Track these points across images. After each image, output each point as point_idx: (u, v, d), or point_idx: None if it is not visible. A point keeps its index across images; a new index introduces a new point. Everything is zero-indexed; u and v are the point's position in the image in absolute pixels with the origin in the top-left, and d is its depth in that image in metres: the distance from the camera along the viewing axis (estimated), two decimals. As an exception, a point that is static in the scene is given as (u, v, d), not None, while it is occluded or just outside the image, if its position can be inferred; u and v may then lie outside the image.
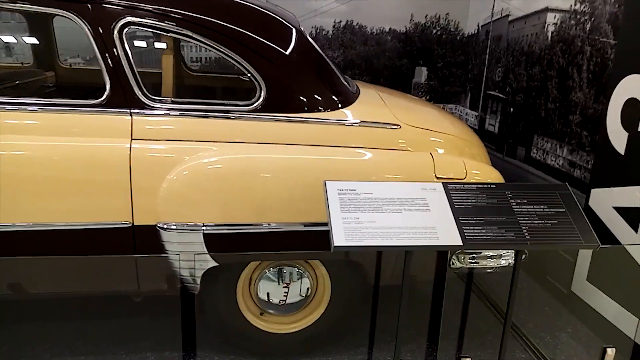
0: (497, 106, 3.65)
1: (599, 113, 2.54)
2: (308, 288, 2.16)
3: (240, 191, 1.90)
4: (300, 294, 2.17)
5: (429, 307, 2.28)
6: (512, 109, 3.44)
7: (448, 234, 1.65)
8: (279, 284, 2.13)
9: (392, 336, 2.19)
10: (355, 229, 1.62)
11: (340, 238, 1.58)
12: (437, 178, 2.02)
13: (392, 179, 1.98)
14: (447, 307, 2.32)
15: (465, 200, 1.76)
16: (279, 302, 2.13)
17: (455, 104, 4.35)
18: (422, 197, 1.76)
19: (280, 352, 2.20)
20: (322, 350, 2.25)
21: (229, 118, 1.96)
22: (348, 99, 2.16)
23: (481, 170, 2.15)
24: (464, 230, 1.67)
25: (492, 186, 1.83)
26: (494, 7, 3.69)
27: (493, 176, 2.16)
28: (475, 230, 1.68)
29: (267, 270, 2.12)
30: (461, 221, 1.69)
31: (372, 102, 2.28)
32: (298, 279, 2.15)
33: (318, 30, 3.95)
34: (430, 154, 2.08)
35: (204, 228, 1.89)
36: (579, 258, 2.64)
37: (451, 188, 1.80)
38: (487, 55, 3.81)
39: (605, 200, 2.47)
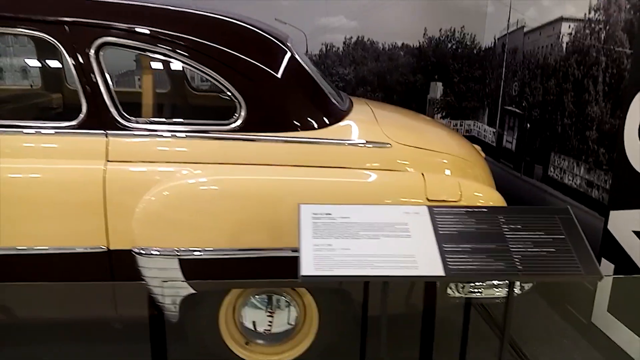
0: (514, 122, 3.47)
1: (615, 128, 2.34)
2: (296, 317, 2.05)
3: (218, 215, 1.82)
4: (288, 323, 2.06)
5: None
6: (528, 125, 3.25)
7: (429, 263, 1.51)
8: (265, 311, 2.03)
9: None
10: (327, 256, 1.50)
11: (309, 267, 1.47)
12: (429, 200, 1.89)
13: (379, 201, 1.85)
14: (451, 339, 2.16)
15: (451, 226, 1.62)
16: (264, 332, 2.03)
17: (473, 120, 4.18)
18: (403, 221, 1.62)
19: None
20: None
21: (208, 138, 1.89)
22: (336, 116, 2.06)
23: (480, 193, 2.00)
24: (447, 259, 1.52)
25: (482, 210, 1.68)
26: (509, 18, 3.53)
27: (494, 199, 2.01)
28: (460, 259, 1.53)
29: (251, 297, 2.02)
30: (445, 249, 1.55)
31: (363, 120, 2.17)
32: (285, 307, 2.04)
33: (328, 47, 3.88)
34: (422, 174, 1.95)
35: (180, 253, 1.81)
36: (599, 286, 2.42)
37: (437, 212, 1.66)
38: (503, 69, 3.64)
39: (625, 224, 2.26)
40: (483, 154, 2.57)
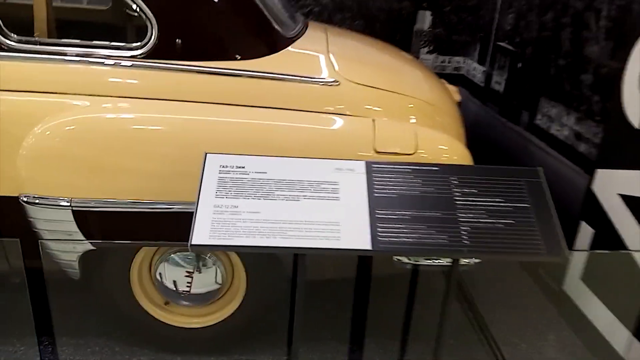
0: (505, 61, 3.07)
1: (614, 73, 1.98)
2: (222, 277, 1.79)
3: (116, 160, 1.51)
4: (215, 282, 1.81)
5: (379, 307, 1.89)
6: (520, 64, 2.86)
7: (354, 234, 1.22)
8: (184, 270, 1.78)
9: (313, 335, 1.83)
10: (228, 221, 1.21)
11: (202, 233, 1.19)
12: (377, 153, 1.57)
13: (312, 153, 1.53)
14: (397, 308, 1.93)
15: (391, 187, 1.32)
16: (181, 293, 1.78)
17: (463, 57, 3.76)
18: (333, 180, 1.32)
19: (190, 348, 1.86)
20: (238, 347, 1.90)
21: (108, 65, 1.55)
22: (276, 44, 1.70)
23: (443, 145, 1.68)
24: (378, 229, 1.23)
25: (432, 168, 1.37)
26: (510, -63, 3.04)
27: (458, 154, 1.69)
28: (394, 230, 1.24)
29: (172, 254, 1.76)
30: (377, 216, 1.26)
31: (310, 49, 1.81)
32: (212, 266, 1.79)
33: (303, -34, 3.40)
34: (373, 120, 1.62)
35: (73, 204, 1.52)
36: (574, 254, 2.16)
37: (376, 169, 1.35)
38: (499, -1, 3.20)
39: (612, 185, 1.96)
40: (458, 97, 2.23)
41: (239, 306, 1.80)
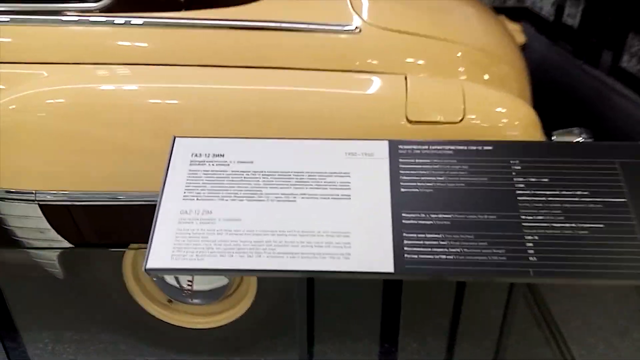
0: (582, -13, 2.50)
1: None
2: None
3: (82, 143, 1.22)
4: (220, 278, 1.54)
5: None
6: (602, -9, 2.30)
7: (370, 249, 0.88)
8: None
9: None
10: (198, 234, 0.90)
11: (161, 252, 0.88)
12: (410, 123, 1.19)
13: (323, 129, 1.17)
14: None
15: (423, 178, 0.95)
16: (184, 291, 1.53)
17: (530, -15, 3.16)
18: (343, 169, 0.97)
19: (195, 348, 1.63)
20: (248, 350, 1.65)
21: (64, 23, 1.23)
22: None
23: (502, 107, 1.26)
24: (405, 242, 0.88)
25: (484, 148, 0.98)
26: None
27: (521, 118, 1.26)
28: (428, 241, 0.88)
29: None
30: (404, 221, 0.90)
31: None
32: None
33: None
34: (405, 78, 1.23)
35: (38, 197, 1.26)
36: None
37: (403, 152, 0.98)
38: None
39: None
40: (522, 38, 1.76)
41: (251, 305, 1.52)
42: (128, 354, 1.64)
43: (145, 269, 0.86)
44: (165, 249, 0.88)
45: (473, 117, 1.19)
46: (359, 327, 1.70)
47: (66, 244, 1.34)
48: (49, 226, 1.30)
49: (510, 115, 1.25)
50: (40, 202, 1.26)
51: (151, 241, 0.88)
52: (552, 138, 1.34)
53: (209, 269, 0.86)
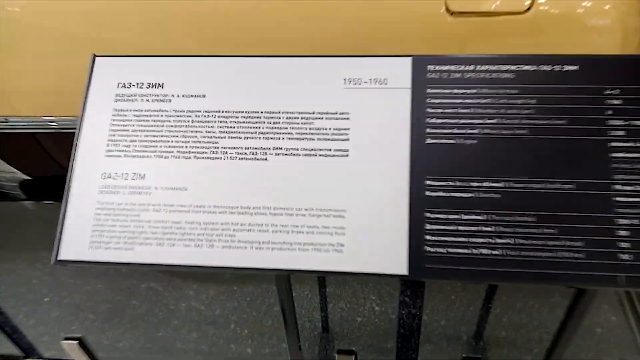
0: None
1: None
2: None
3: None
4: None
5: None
6: None
7: (374, 239, 0.59)
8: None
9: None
10: (126, 210, 0.62)
11: (76, 238, 0.62)
12: (452, 15, 0.81)
13: (343, 20, 0.80)
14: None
15: (463, 122, 0.61)
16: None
17: None
18: (340, 108, 0.63)
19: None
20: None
21: None
22: None
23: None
24: (428, 228, 0.58)
25: (565, 68, 0.61)
26: None
27: (623, 10, 0.84)
28: (463, 227, 0.58)
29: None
30: (429, 193, 0.59)
31: None
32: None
33: None
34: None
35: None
36: None
37: (435, 77, 0.63)
38: None
39: None
40: None
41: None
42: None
43: (55, 260, 0.61)
44: (80, 233, 0.61)
45: (545, 7, 0.80)
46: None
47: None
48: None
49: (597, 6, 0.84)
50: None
51: (62, 220, 0.62)
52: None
53: (140, 263, 0.60)
